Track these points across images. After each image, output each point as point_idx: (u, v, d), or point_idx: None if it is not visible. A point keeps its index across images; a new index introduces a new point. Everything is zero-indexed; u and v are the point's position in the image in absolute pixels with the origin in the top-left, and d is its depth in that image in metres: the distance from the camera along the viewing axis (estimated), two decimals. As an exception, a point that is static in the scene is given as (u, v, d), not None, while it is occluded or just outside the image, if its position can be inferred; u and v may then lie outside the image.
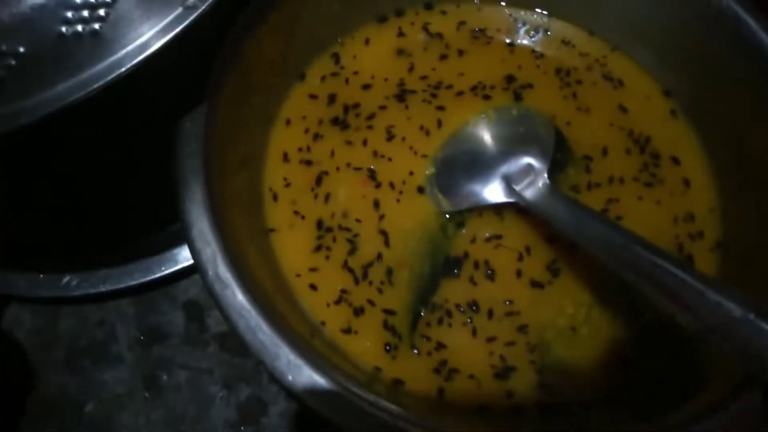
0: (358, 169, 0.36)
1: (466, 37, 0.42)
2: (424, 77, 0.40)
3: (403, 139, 0.37)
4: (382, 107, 0.38)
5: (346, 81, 0.39)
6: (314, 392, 0.26)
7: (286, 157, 0.37)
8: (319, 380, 0.25)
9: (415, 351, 0.33)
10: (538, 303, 0.33)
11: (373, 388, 0.28)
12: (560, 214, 0.32)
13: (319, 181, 0.36)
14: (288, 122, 0.38)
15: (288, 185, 0.36)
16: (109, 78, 0.24)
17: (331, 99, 0.39)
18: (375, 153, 0.37)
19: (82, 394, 0.38)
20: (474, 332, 0.33)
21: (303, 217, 0.35)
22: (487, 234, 0.35)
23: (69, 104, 0.24)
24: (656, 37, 0.40)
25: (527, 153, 0.35)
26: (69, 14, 0.23)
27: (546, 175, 0.34)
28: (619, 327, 0.33)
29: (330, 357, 0.29)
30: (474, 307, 0.33)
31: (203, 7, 0.25)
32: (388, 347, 0.33)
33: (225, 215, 0.29)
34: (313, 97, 0.39)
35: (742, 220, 0.36)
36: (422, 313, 0.33)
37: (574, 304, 0.34)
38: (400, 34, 0.42)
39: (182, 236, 0.28)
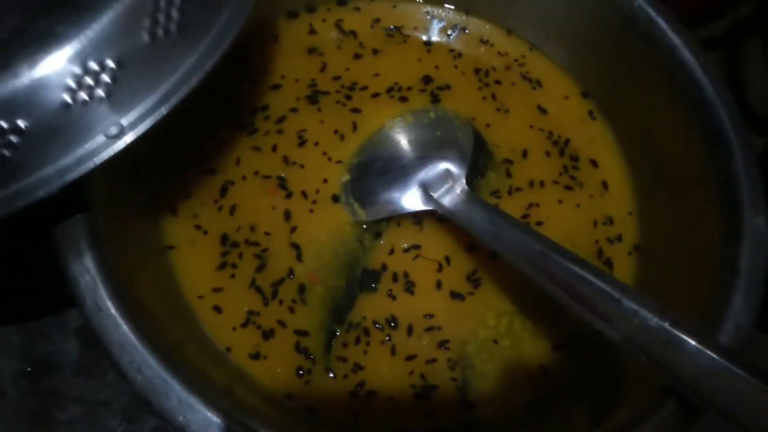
0: (266, 177, 0.34)
1: (381, 35, 0.40)
2: (337, 78, 0.38)
3: (316, 143, 0.35)
4: (293, 110, 0.36)
5: (252, 81, 0.37)
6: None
7: (185, 166, 0.34)
8: (215, 420, 0.23)
9: (331, 374, 0.30)
10: (459, 315, 0.32)
11: (281, 421, 0.25)
12: (479, 222, 0.31)
13: (223, 191, 0.33)
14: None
15: (188, 197, 0.33)
16: (11, 208, 0.22)
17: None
18: (285, 159, 0.34)
19: (-43, 438, 0.33)
20: (393, 350, 0.31)
21: (206, 232, 0.32)
22: (406, 244, 0.33)
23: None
24: (573, 37, 0.39)
25: (445, 158, 0.34)
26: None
27: (464, 181, 0.33)
28: (540, 337, 0.32)
29: (234, 389, 0.27)
30: (392, 324, 0.32)
31: (127, 139, 0.23)
32: (300, 372, 0.30)
33: (110, 234, 0.26)
34: (215, 98, 0.36)
35: (657, 223, 0.36)
36: (338, 332, 0.31)
37: (495, 315, 0.32)
38: (312, 31, 0.39)
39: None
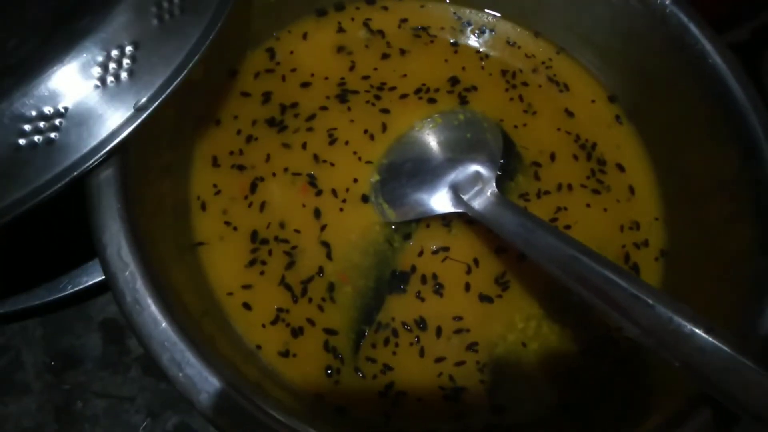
0: (297, 174, 0.34)
1: (408, 35, 0.40)
2: (366, 77, 0.37)
3: (346, 143, 0.35)
4: (323, 108, 0.36)
5: (283, 78, 0.37)
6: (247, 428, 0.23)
7: (215, 162, 0.34)
8: (253, 416, 0.22)
9: (360, 374, 0.30)
10: (488, 318, 0.32)
11: (314, 420, 0.25)
12: (509, 225, 0.31)
13: (253, 188, 0.33)
14: (218, 123, 0.35)
15: (218, 193, 0.33)
16: (62, 183, 0.24)
17: (266, 97, 0.36)
18: (316, 158, 0.34)
19: (-20, 430, 0.33)
20: (422, 352, 0.31)
21: (235, 228, 0.32)
22: (435, 246, 0.33)
23: (21, 213, 0.24)
24: (601, 41, 0.39)
25: (475, 160, 0.34)
26: (25, 127, 0.24)
27: (494, 184, 0.33)
28: (568, 341, 0.32)
29: (267, 387, 0.27)
30: (421, 325, 0.31)
31: (153, 107, 0.26)
32: (329, 371, 0.30)
33: (146, 231, 0.26)
34: (245, 94, 0.36)
35: (685, 230, 0.35)
36: (366, 333, 0.31)
37: (523, 318, 0.32)
38: (340, 29, 0.39)
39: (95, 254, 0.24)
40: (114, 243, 0.24)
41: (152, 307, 0.23)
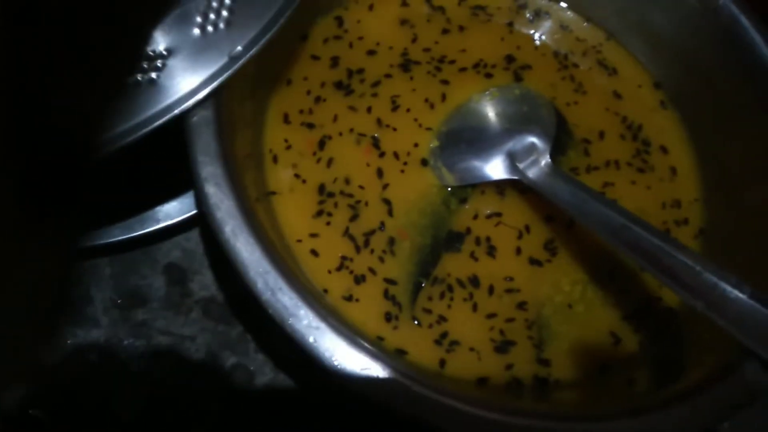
0: (362, 135, 0.36)
1: (467, 13, 0.42)
2: (427, 50, 0.39)
3: (408, 110, 0.37)
4: (387, 75, 0.38)
5: (350, 45, 0.38)
6: (338, 358, 0.25)
7: (286, 119, 0.36)
8: (341, 342, 0.25)
9: (416, 322, 0.32)
10: (537, 280, 0.34)
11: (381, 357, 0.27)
12: (562, 193, 0.33)
13: (321, 145, 0.35)
14: (289, 82, 0.37)
15: (289, 147, 0.35)
16: (163, 121, 0.27)
17: (335, 62, 0.38)
18: (379, 121, 0.36)
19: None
20: (474, 308, 0.33)
21: (304, 181, 0.34)
22: (489, 211, 0.35)
23: (122, 146, 0.26)
24: (650, 30, 0.41)
25: (531, 132, 0.36)
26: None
27: (548, 155, 0.35)
28: (611, 306, 0.34)
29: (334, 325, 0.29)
30: (474, 283, 0.33)
31: (247, 56, 0.28)
32: (388, 317, 0.32)
33: (236, 171, 0.28)
34: (315, 58, 0.38)
35: (722, 211, 0.37)
36: (423, 285, 0.33)
37: (570, 282, 0.34)
38: (404, 3, 0.41)
39: (193, 191, 0.26)
40: (212, 177, 0.26)
41: (249, 237, 0.25)
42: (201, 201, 0.26)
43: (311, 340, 0.24)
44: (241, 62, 0.28)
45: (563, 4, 0.43)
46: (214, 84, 0.28)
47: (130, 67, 0.26)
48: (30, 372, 0.28)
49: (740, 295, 0.28)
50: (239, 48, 0.28)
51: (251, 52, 0.28)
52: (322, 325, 0.25)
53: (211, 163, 0.26)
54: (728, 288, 0.28)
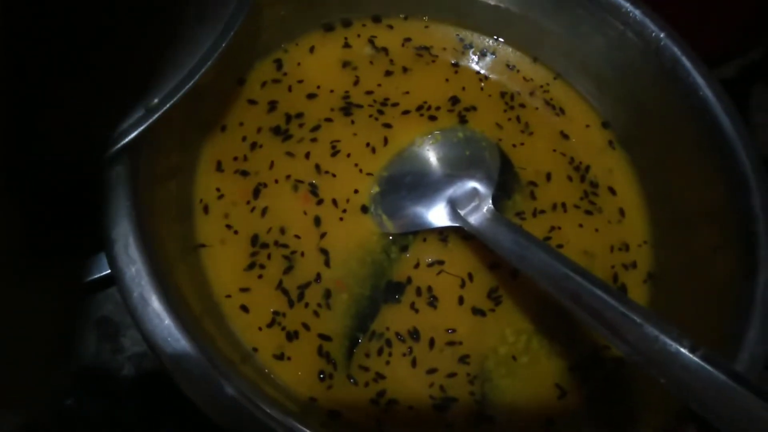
0: (299, 182, 0.34)
1: (411, 54, 0.41)
2: (369, 92, 0.38)
3: (348, 155, 0.36)
4: (328, 119, 0.37)
5: (289, 88, 0.37)
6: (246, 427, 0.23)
7: (219, 166, 0.34)
8: (251, 413, 0.23)
9: (352, 381, 0.31)
10: (480, 331, 0.33)
11: (309, 421, 0.26)
12: (504, 241, 0.32)
13: (256, 193, 0.34)
14: (223, 128, 0.36)
15: (221, 197, 0.34)
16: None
17: (272, 106, 0.37)
18: (318, 167, 0.35)
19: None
20: (414, 363, 0.32)
21: (236, 232, 0.33)
22: (431, 259, 0.34)
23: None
24: (597, 70, 0.40)
25: (473, 177, 0.35)
26: None
27: (490, 201, 0.34)
28: (557, 356, 0.33)
29: (264, 388, 0.27)
30: (415, 336, 0.32)
31: (163, 109, 0.27)
32: (322, 376, 0.31)
33: (153, 229, 0.26)
34: (252, 102, 0.37)
35: (672, 254, 0.37)
36: (360, 340, 0.32)
37: (514, 332, 0.33)
38: (346, 45, 0.40)
39: (104, 252, 0.25)
40: (122, 239, 0.25)
41: (157, 304, 0.24)
42: (109, 263, 0.25)
43: (218, 411, 0.23)
44: (157, 114, 0.27)
45: (509, 44, 0.42)
46: (130, 137, 0.26)
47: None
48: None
49: (681, 348, 0.26)
50: (155, 100, 0.27)
51: (169, 104, 0.27)
52: (239, 399, 0.23)
53: (121, 223, 0.25)
54: (669, 341, 0.27)
